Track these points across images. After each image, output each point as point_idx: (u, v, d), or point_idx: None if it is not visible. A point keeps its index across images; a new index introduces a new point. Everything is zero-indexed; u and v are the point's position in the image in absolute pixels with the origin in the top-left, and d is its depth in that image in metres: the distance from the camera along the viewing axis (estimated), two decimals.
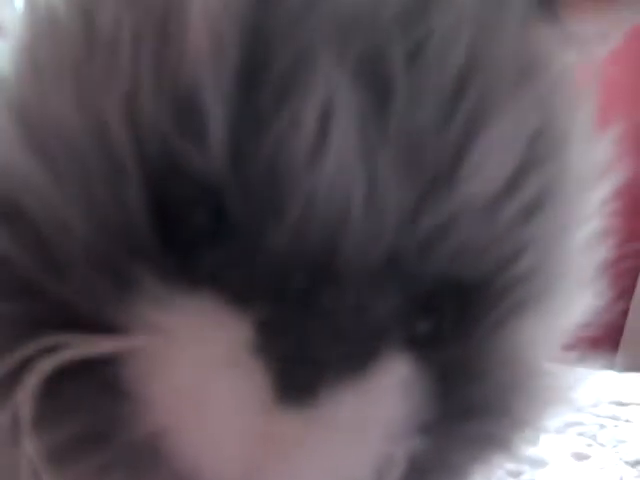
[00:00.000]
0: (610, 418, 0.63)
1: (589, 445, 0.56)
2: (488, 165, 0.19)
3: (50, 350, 0.18)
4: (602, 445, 0.57)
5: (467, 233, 0.19)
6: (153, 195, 0.18)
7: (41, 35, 0.20)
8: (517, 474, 0.48)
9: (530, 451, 0.26)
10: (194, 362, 0.18)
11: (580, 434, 0.58)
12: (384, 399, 0.19)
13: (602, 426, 0.61)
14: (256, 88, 0.18)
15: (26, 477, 0.18)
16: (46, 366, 0.17)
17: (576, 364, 0.25)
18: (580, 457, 0.54)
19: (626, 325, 1.31)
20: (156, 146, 0.18)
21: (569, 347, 0.25)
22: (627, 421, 0.63)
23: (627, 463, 0.55)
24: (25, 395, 0.18)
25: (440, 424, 0.20)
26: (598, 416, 0.62)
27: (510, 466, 0.47)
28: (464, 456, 0.22)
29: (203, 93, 0.17)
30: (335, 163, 0.17)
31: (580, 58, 0.24)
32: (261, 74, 0.18)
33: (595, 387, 0.65)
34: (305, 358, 0.17)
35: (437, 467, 0.21)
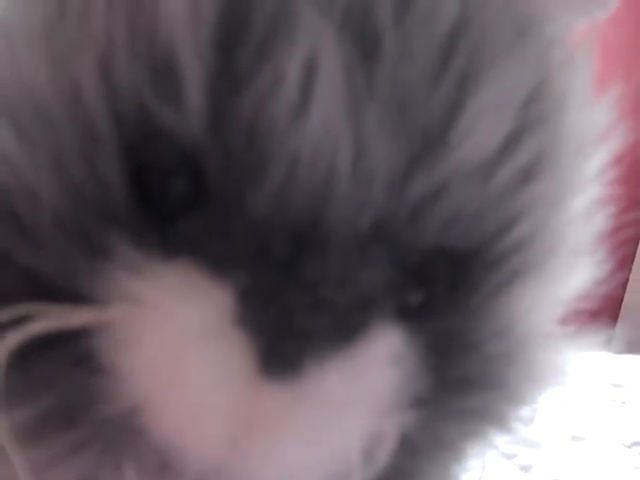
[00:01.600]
0: (606, 400, 0.62)
1: (585, 427, 0.56)
2: (481, 127, 0.18)
3: (20, 321, 0.17)
4: (598, 427, 0.57)
5: (460, 199, 0.19)
6: (129, 161, 0.18)
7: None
8: (512, 456, 0.48)
9: (525, 432, 0.26)
10: (172, 333, 0.17)
11: (576, 416, 0.58)
12: (373, 372, 0.18)
13: (598, 408, 0.60)
14: (235, 46, 0.17)
15: None
16: (16, 338, 0.17)
17: (574, 338, 0.24)
18: (576, 439, 0.54)
19: (625, 297, 1.30)
20: (132, 110, 0.17)
21: (567, 320, 0.24)
22: (623, 403, 0.63)
23: (623, 445, 0.55)
24: None
25: (432, 398, 0.19)
26: (594, 398, 0.62)
27: (504, 448, 0.47)
28: (457, 431, 0.22)
29: (179, 53, 0.17)
30: (319, 123, 0.16)
31: (577, 19, 0.23)
32: (240, 31, 0.17)
33: (591, 368, 0.64)
34: (289, 330, 0.17)
35: (429, 443, 0.21)
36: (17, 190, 0.18)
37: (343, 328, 0.17)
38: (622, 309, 1.37)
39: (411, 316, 0.19)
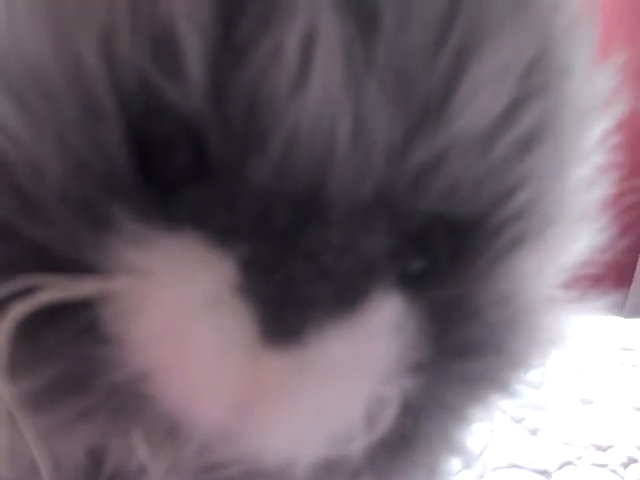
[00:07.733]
0: (615, 363, 0.63)
1: (594, 390, 0.56)
2: (481, 97, 0.18)
3: (26, 292, 0.17)
4: (607, 390, 0.57)
5: (460, 168, 0.19)
6: (131, 134, 0.18)
7: None
8: (520, 419, 0.48)
9: (533, 396, 0.26)
10: (176, 303, 0.17)
11: (585, 379, 0.58)
12: (374, 339, 0.18)
13: (607, 371, 0.61)
14: (234, 20, 0.17)
15: (3, 423, 0.18)
16: (23, 309, 0.17)
17: (578, 303, 0.24)
18: (585, 402, 0.54)
19: (638, 265, 1.31)
20: (134, 84, 0.17)
21: (571, 285, 0.25)
22: (633, 366, 0.63)
23: (633, 408, 0.55)
24: (0, 339, 0.17)
25: (434, 364, 0.20)
26: (603, 361, 0.62)
27: (513, 412, 0.48)
28: (459, 396, 0.22)
29: (179, 27, 0.17)
30: (319, 94, 0.16)
31: None
32: (239, 4, 0.17)
33: (601, 332, 0.65)
34: (291, 298, 0.17)
35: (432, 407, 0.21)
36: (21, 164, 0.18)
37: (344, 296, 0.18)
38: (636, 273, 1.37)
39: (412, 284, 0.19)
